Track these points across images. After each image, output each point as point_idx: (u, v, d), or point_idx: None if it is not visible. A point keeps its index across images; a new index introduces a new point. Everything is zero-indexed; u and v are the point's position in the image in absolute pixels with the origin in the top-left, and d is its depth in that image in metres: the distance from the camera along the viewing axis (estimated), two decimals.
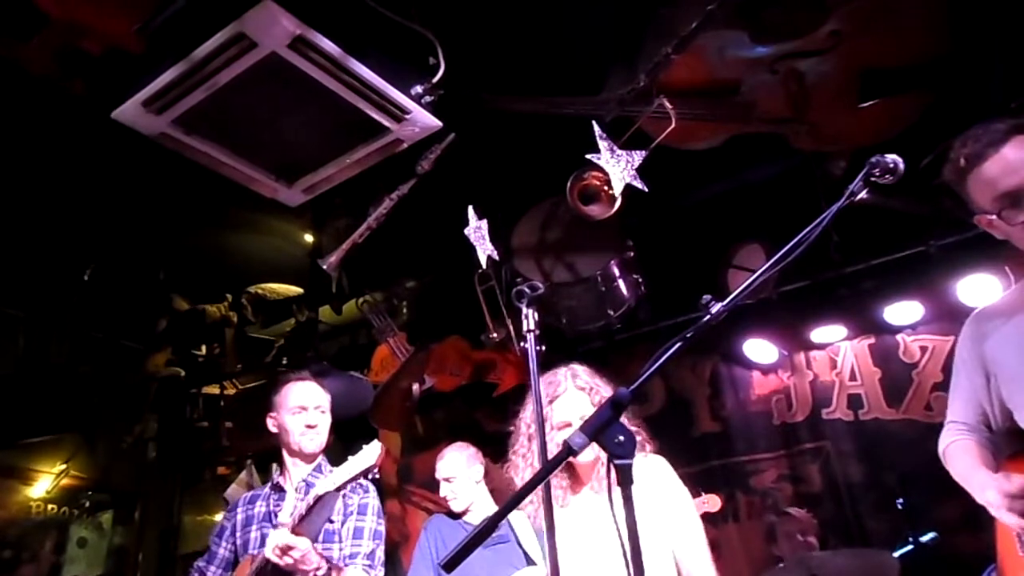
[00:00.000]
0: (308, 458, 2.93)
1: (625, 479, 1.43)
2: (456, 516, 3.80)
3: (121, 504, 6.60)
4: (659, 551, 2.36)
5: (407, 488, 5.94)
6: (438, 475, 3.82)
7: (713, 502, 3.84)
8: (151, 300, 5.75)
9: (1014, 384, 2.08)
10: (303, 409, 2.91)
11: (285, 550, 2.48)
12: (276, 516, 2.80)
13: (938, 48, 3.22)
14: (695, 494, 3.78)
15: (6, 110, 3.50)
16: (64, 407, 5.76)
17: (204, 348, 6.17)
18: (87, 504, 6.41)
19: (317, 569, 2.53)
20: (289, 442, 2.93)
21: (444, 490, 3.80)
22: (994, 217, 1.99)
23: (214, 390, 6.20)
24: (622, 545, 1.44)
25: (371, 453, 2.54)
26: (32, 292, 5.26)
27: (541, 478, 1.62)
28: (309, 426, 2.90)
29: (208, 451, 6.26)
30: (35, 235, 4.64)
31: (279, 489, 2.95)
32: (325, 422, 2.96)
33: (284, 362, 5.83)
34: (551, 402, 2.58)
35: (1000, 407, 2.13)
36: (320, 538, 2.71)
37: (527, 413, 2.70)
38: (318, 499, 2.52)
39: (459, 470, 3.78)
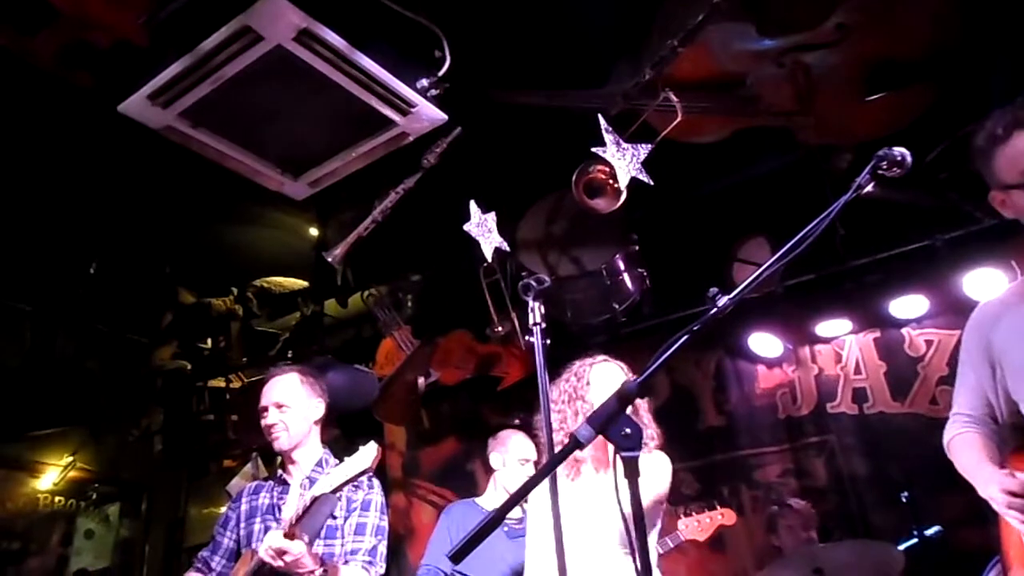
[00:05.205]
0: (288, 456, 2.90)
1: (632, 471, 1.44)
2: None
3: (128, 496, 6.65)
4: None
5: (413, 481, 5.94)
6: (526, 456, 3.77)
7: (729, 516, 3.85)
8: (157, 294, 5.77)
9: (1020, 376, 2.07)
10: (264, 410, 2.89)
11: (279, 553, 2.47)
12: (280, 510, 2.80)
13: (945, 41, 3.21)
14: (711, 507, 3.85)
15: (13, 104, 3.51)
16: (70, 400, 5.79)
17: (210, 341, 6.19)
18: (94, 496, 6.45)
19: (311, 572, 2.51)
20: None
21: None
22: (1014, 191, 1.96)
23: (220, 383, 6.22)
24: (628, 537, 1.45)
25: (367, 455, 2.51)
26: (38, 286, 5.28)
27: (547, 471, 1.63)
28: (267, 426, 2.87)
29: (214, 444, 6.28)
30: (41, 229, 4.65)
31: (283, 482, 2.94)
32: (286, 419, 2.87)
33: (289, 355, 5.84)
34: (591, 366, 2.69)
35: (1006, 399, 2.13)
36: (323, 534, 2.70)
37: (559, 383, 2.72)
38: (315, 500, 2.50)
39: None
